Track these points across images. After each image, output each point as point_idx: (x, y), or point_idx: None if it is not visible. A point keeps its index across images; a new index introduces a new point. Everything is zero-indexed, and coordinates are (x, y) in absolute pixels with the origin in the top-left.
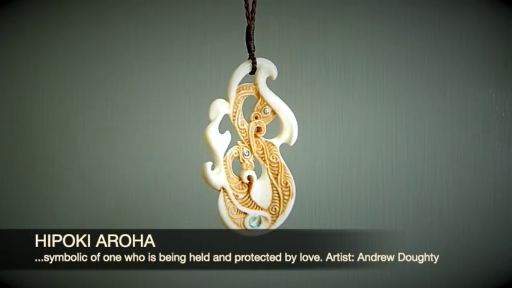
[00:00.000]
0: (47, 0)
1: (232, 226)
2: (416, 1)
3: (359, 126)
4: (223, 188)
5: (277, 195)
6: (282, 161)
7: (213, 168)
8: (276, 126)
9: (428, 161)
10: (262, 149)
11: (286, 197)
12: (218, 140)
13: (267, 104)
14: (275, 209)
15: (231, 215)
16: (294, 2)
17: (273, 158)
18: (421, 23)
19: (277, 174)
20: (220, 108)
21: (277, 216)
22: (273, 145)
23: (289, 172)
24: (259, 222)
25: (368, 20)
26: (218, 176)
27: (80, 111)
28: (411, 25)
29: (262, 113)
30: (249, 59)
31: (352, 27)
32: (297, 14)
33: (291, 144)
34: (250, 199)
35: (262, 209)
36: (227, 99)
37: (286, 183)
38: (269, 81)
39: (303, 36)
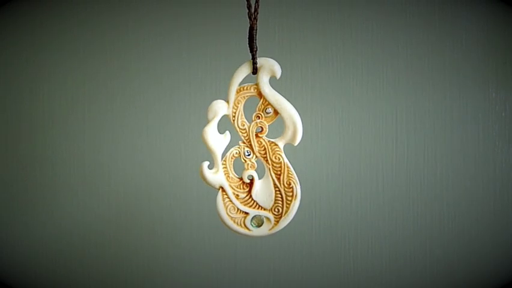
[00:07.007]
0: (47, 1)
1: (231, 224)
2: (416, 1)
3: (359, 127)
4: (222, 187)
5: (279, 195)
6: (286, 161)
7: (210, 167)
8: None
9: (428, 161)
10: (265, 149)
11: (289, 198)
12: (216, 140)
13: (269, 104)
14: (278, 209)
15: (230, 213)
16: (294, 2)
17: (276, 158)
18: (421, 23)
19: (279, 175)
20: (218, 109)
21: (281, 217)
22: (276, 145)
23: (294, 173)
24: (260, 222)
25: (368, 20)
26: (215, 175)
27: (81, 112)
28: (411, 25)
29: (264, 112)
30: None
31: (352, 27)
32: (298, 14)
33: (295, 144)
34: (252, 199)
35: (264, 209)
36: (227, 100)
37: (290, 184)
38: (273, 81)
39: (303, 37)
